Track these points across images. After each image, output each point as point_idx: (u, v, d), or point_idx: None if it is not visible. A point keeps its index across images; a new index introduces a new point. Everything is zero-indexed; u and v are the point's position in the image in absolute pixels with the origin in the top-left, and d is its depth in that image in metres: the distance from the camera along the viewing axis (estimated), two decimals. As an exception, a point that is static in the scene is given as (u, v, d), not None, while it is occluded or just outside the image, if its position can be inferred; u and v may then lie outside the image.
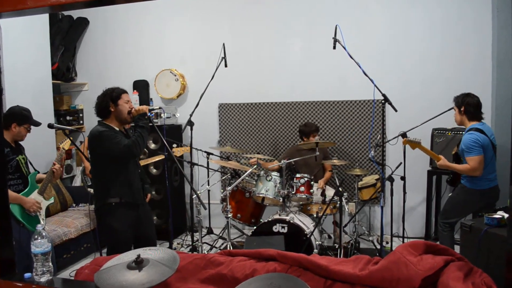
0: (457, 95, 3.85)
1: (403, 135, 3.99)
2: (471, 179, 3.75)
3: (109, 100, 3.27)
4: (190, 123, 4.52)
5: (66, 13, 5.93)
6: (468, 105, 3.74)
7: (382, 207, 4.11)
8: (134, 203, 3.32)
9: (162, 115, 5.16)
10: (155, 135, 5.22)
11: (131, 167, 3.32)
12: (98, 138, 3.16)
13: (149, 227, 3.52)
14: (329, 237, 5.16)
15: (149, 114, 3.34)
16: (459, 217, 3.91)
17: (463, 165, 3.71)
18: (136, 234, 3.39)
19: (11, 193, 3.39)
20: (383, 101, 3.96)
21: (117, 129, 3.31)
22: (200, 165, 4.94)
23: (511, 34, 4.48)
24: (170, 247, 4.65)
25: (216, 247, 4.87)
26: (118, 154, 3.13)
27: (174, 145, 4.67)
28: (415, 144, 3.88)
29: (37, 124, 3.62)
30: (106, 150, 3.15)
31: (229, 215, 4.26)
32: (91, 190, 4.72)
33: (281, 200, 4.30)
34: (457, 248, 3.54)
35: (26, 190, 3.54)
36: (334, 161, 4.59)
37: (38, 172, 3.78)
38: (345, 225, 4.98)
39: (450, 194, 4.14)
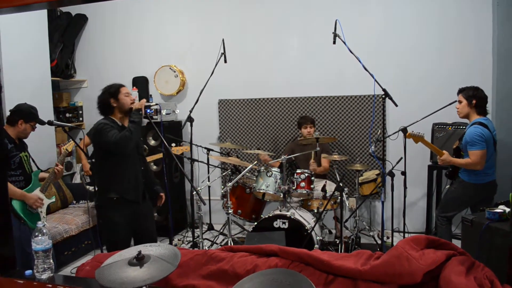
0: (464, 87, 3.82)
1: (404, 130, 3.98)
2: (469, 173, 3.76)
3: (108, 96, 3.30)
4: (190, 119, 4.51)
5: (64, 9, 5.92)
6: (481, 99, 3.73)
7: (382, 202, 4.11)
8: (133, 200, 3.33)
9: (162, 111, 5.15)
10: (155, 132, 5.20)
11: (131, 162, 3.33)
12: (97, 131, 3.20)
13: (150, 224, 3.52)
14: (330, 232, 5.17)
15: (148, 110, 3.35)
16: (456, 211, 3.95)
17: (465, 160, 3.72)
18: (136, 230, 3.39)
19: (15, 189, 3.40)
20: (383, 96, 3.95)
21: (120, 123, 3.32)
22: (200, 161, 4.93)
23: (510, 29, 4.46)
24: (171, 243, 4.66)
25: (217, 243, 4.87)
26: (108, 148, 3.16)
27: (173, 144, 4.65)
28: (418, 138, 3.88)
29: (43, 122, 3.62)
30: (101, 145, 3.20)
31: (229, 211, 4.26)
32: (90, 188, 4.73)
33: (281, 196, 4.29)
34: (458, 243, 3.54)
35: (29, 187, 3.55)
36: (335, 156, 4.58)
37: (41, 171, 3.78)
38: (346, 220, 4.98)
39: (447, 187, 4.14)
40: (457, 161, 3.80)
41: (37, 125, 3.67)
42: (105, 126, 3.17)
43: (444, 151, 3.85)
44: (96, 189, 3.42)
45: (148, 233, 3.48)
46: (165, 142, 3.43)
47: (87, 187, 4.78)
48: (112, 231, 3.29)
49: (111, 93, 3.30)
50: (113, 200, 3.24)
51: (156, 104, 3.89)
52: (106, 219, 3.31)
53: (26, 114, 3.54)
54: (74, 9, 5.98)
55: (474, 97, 3.72)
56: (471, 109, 3.76)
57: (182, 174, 5.54)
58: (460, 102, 3.82)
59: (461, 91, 3.84)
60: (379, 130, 4.59)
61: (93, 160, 4.45)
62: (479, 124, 3.65)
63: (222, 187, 4.76)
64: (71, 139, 3.77)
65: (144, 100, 3.37)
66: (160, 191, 3.64)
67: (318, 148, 4.42)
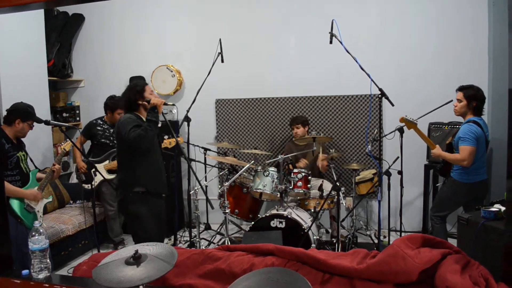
0: (465, 86, 3.79)
1: (400, 129, 4.00)
2: (460, 172, 3.79)
3: (135, 93, 3.37)
4: (187, 119, 4.51)
5: (61, 9, 5.90)
6: (481, 101, 3.74)
7: (379, 202, 4.13)
8: (159, 193, 3.40)
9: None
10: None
11: (156, 157, 3.41)
12: (122, 125, 3.23)
13: (162, 223, 3.57)
14: (327, 231, 5.17)
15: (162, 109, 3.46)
16: (449, 210, 3.98)
17: (454, 154, 3.76)
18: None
19: (12, 187, 3.40)
20: (380, 96, 3.96)
21: (145, 119, 3.37)
22: (198, 161, 4.94)
23: (506, 28, 4.48)
24: (175, 242, 4.66)
25: (214, 243, 4.87)
26: (126, 143, 3.19)
27: (166, 137, 4.66)
28: (411, 124, 3.87)
29: (40, 121, 3.62)
30: (122, 138, 3.22)
31: (226, 211, 4.26)
32: (85, 186, 4.74)
33: (278, 195, 4.30)
34: (454, 241, 3.55)
35: (27, 186, 3.55)
36: (332, 152, 4.59)
37: (39, 170, 3.77)
38: (343, 220, 5.00)
39: (437, 185, 4.15)
40: (446, 155, 3.83)
41: (35, 124, 3.67)
42: (128, 120, 3.23)
43: (436, 145, 3.88)
44: (119, 184, 3.43)
45: (162, 229, 3.54)
46: (178, 143, 3.50)
47: (83, 185, 4.78)
48: (139, 226, 3.31)
49: (138, 91, 3.37)
50: (139, 194, 3.28)
51: (173, 105, 3.91)
52: (132, 214, 3.33)
53: (23, 113, 3.53)
54: (71, 9, 5.97)
55: (475, 99, 3.72)
56: (470, 109, 3.77)
57: (179, 173, 5.54)
58: (459, 100, 3.79)
59: (461, 89, 3.80)
60: (376, 130, 4.60)
61: (90, 158, 4.48)
62: (474, 122, 3.67)
63: (219, 186, 4.77)
64: (69, 139, 3.77)
65: (163, 100, 3.42)
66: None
67: (315, 148, 4.43)
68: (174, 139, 4.54)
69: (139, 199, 3.28)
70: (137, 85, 3.42)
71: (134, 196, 3.28)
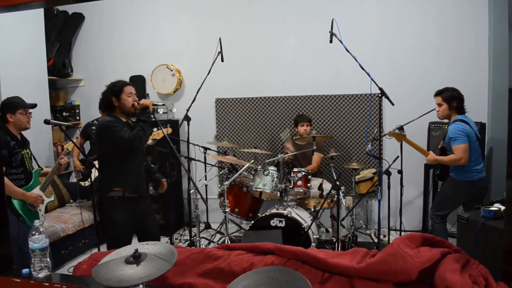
0: (441, 90, 3.89)
1: (400, 128, 4.00)
2: (458, 171, 3.81)
3: (110, 95, 3.30)
4: (187, 118, 4.51)
5: (61, 8, 5.90)
6: (460, 100, 3.82)
7: (379, 201, 4.13)
8: (137, 196, 3.35)
9: (159, 110, 5.17)
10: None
11: (137, 158, 3.37)
12: (106, 128, 3.19)
13: (151, 221, 3.54)
14: (327, 231, 5.18)
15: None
16: (450, 210, 4.00)
17: (449, 156, 3.78)
18: (138, 227, 3.42)
19: (15, 188, 3.40)
20: (380, 95, 3.96)
21: (124, 120, 3.34)
22: (198, 160, 4.94)
23: (506, 28, 4.47)
24: (172, 243, 4.66)
25: (214, 242, 4.87)
26: (121, 146, 3.17)
27: (155, 129, 4.68)
28: (400, 137, 3.91)
29: (32, 106, 3.56)
30: (112, 141, 3.18)
31: (226, 210, 4.26)
32: (83, 184, 4.76)
33: (278, 195, 4.30)
34: (453, 241, 3.55)
35: (29, 185, 3.54)
36: (332, 153, 4.59)
37: (42, 169, 3.77)
38: (343, 219, 5.00)
39: (439, 188, 4.16)
40: (442, 158, 3.86)
41: (34, 123, 3.65)
42: (114, 123, 3.19)
43: (429, 152, 3.91)
44: (99, 186, 3.42)
45: (151, 230, 3.50)
46: (169, 141, 3.45)
47: (80, 182, 4.81)
48: (113, 231, 3.31)
49: (113, 92, 3.30)
50: (115, 200, 3.26)
51: (163, 105, 3.89)
52: (107, 218, 3.34)
53: (9, 106, 3.45)
54: (71, 8, 5.97)
55: (454, 99, 3.80)
56: (452, 110, 3.83)
57: (179, 172, 5.54)
58: (439, 105, 3.88)
59: (438, 93, 3.89)
60: (376, 129, 4.60)
61: (87, 157, 4.49)
62: (460, 121, 3.72)
63: (219, 186, 4.77)
64: (69, 139, 3.78)
65: (152, 100, 3.39)
66: (161, 177, 3.69)
67: (315, 147, 4.43)
68: (164, 129, 4.55)
69: (114, 204, 3.27)
70: (115, 85, 3.33)
71: (110, 200, 3.26)
